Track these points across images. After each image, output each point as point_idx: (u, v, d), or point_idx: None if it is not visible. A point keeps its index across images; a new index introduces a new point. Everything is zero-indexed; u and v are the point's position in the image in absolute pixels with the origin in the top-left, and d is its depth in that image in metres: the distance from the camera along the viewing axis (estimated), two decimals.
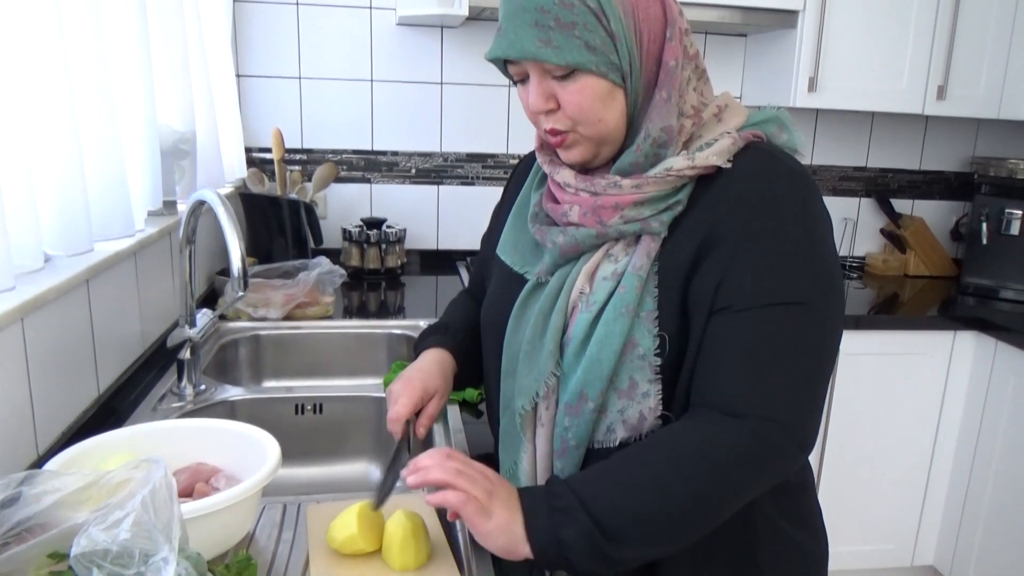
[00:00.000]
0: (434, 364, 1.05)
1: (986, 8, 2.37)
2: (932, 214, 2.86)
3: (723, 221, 0.81)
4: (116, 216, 1.22)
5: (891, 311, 2.38)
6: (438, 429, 1.28)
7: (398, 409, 0.97)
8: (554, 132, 0.87)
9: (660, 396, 0.83)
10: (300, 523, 0.99)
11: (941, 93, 2.37)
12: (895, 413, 2.33)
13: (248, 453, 0.98)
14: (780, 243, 0.80)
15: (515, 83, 0.89)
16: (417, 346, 1.11)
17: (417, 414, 1.01)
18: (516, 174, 1.09)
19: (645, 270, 0.83)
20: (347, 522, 0.88)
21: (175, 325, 1.38)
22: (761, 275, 0.79)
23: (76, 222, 1.09)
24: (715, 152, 0.83)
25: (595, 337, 0.83)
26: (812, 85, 2.30)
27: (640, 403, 0.83)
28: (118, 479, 0.67)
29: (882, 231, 2.84)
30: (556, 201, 0.92)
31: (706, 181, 0.84)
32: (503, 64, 0.87)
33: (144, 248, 1.44)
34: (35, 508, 0.68)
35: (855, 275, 2.77)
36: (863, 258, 2.86)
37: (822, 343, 0.81)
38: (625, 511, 0.75)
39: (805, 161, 2.64)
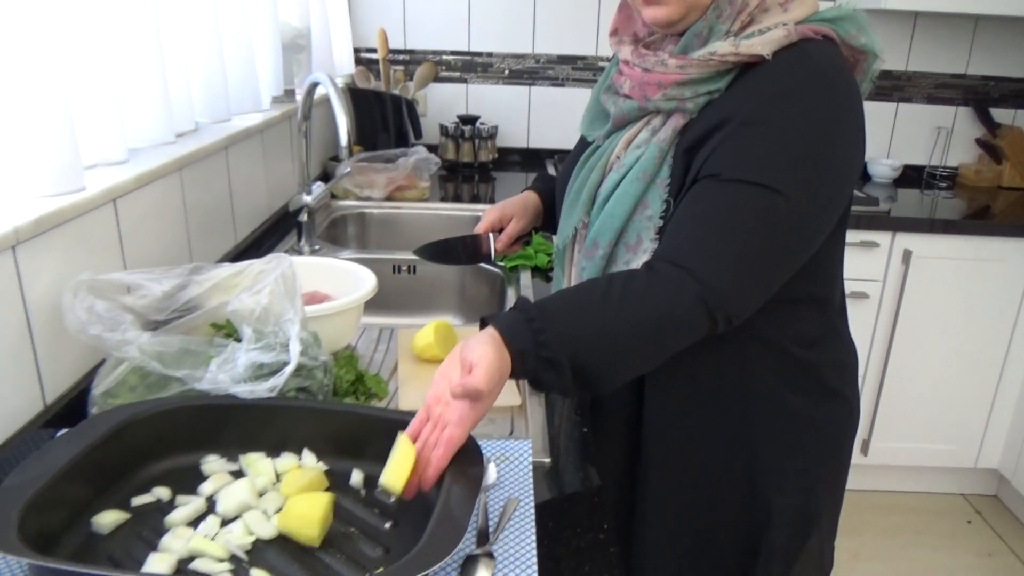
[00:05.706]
0: (519, 199, 1.29)
1: None
2: None
3: (736, 106, 0.89)
4: (248, 94, 1.47)
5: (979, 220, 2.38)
6: (510, 292, 1.49)
7: (478, 226, 1.26)
8: None
9: None
10: (392, 340, 1.23)
11: None
12: (969, 317, 2.36)
13: (352, 285, 1.21)
14: (776, 133, 0.86)
15: None
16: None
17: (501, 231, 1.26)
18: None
19: (667, 143, 0.94)
20: (426, 333, 1.11)
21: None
22: (744, 155, 0.85)
23: (217, 97, 1.34)
24: (761, 42, 0.86)
25: (615, 195, 0.97)
26: None
27: (642, 257, 0.94)
28: (257, 269, 0.90)
29: (978, 141, 2.79)
30: (621, 74, 1.03)
31: (750, 71, 0.90)
32: None
33: (269, 128, 1.69)
34: (199, 290, 0.93)
35: (944, 185, 2.75)
36: (956, 168, 2.82)
37: (779, 231, 0.85)
38: (576, 327, 0.83)
39: (899, 67, 2.63)
